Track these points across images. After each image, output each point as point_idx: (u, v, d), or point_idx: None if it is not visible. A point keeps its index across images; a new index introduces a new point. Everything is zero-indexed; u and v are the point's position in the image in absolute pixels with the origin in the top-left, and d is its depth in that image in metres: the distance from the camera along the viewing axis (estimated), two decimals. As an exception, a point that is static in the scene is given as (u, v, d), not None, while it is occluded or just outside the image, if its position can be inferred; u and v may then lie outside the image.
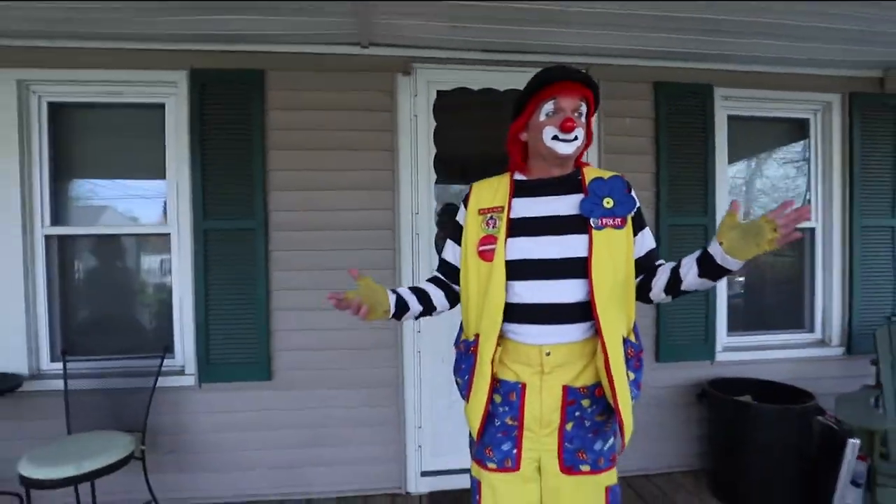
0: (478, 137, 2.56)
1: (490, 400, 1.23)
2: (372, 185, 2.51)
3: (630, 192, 1.25)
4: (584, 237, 1.20)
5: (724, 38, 2.44)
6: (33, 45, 2.33)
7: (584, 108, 1.24)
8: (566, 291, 1.20)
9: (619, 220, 1.21)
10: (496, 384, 1.25)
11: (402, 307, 1.30)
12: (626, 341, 1.23)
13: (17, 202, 2.35)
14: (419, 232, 2.54)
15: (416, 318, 1.37)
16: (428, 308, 1.36)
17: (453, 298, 1.41)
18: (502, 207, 1.25)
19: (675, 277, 1.18)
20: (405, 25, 2.30)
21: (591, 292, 1.17)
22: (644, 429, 2.68)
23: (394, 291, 1.31)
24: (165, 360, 2.33)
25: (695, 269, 1.13)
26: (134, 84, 2.42)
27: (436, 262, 2.50)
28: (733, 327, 2.89)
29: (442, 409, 2.59)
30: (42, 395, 2.35)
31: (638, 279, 1.27)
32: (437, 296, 1.38)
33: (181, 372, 2.46)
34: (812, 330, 2.96)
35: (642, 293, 1.27)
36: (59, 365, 2.39)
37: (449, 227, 1.40)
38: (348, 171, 2.49)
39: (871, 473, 2.15)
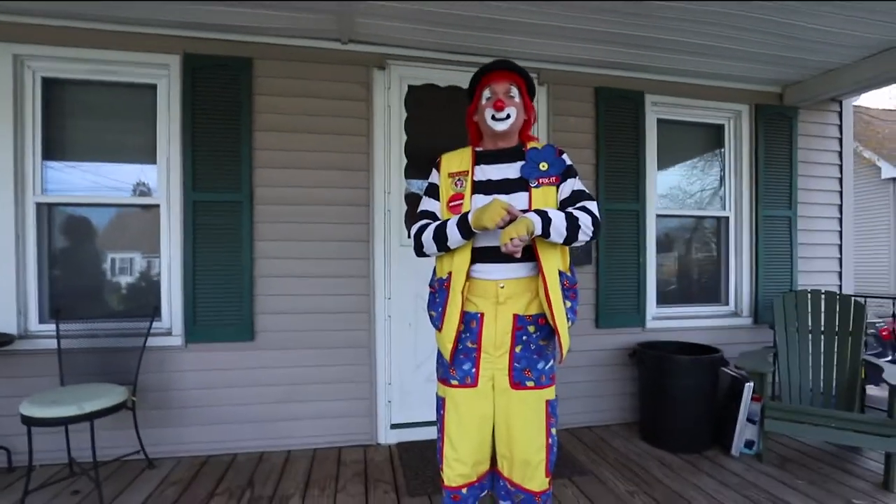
0: (445, 131, 2.90)
1: (461, 324, 1.51)
2: (348, 166, 2.80)
3: (561, 155, 1.56)
4: (526, 194, 1.51)
5: (652, 53, 2.92)
6: (30, 22, 2.48)
7: (514, 90, 1.55)
8: None
9: (553, 178, 1.52)
10: (461, 315, 1.50)
11: None
12: (562, 274, 1.53)
13: (9, 170, 2.49)
14: (390, 209, 2.85)
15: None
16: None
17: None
18: (467, 172, 1.57)
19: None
20: (381, 25, 2.62)
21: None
22: (586, 386, 3.11)
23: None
24: (154, 323, 2.52)
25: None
26: (128, 64, 2.61)
27: (404, 237, 2.84)
28: (662, 300, 3.35)
29: (409, 368, 2.89)
30: (31, 354, 2.49)
31: None
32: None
33: (168, 333, 2.64)
34: (727, 303, 3.47)
35: None
36: (48, 326, 2.55)
37: (426, 189, 1.68)
38: (327, 153, 2.77)
39: (763, 410, 2.62)
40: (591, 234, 1.48)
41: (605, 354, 3.14)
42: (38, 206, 2.57)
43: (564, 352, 1.52)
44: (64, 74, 2.60)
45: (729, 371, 2.87)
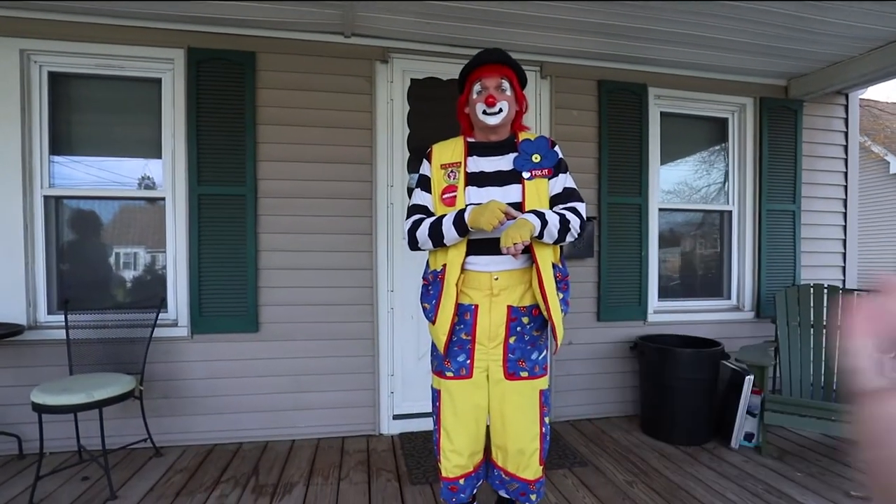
0: (447, 124, 2.90)
1: (455, 316, 1.52)
2: (352, 159, 2.81)
3: (554, 147, 1.57)
4: (519, 186, 1.51)
5: (655, 45, 2.90)
6: (37, 17, 2.50)
7: (505, 84, 1.54)
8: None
9: (545, 170, 1.53)
10: (456, 307, 1.51)
11: None
12: (554, 266, 1.55)
13: (17, 164, 2.53)
14: (393, 202, 2.87)
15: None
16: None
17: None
18: (459, 163, 1.56)
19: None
20: (383, 19, 2.62)
21: None
22: (586, 379, 3.13)
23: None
24: (160, 314, 2.56)
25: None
26: (133, 59, 2.63)
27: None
28: (664, 294, 3.36)
29: (411, 359, 2.92)
30: (40, 344, 2.55)
31: None
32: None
33: (174, 324, 2.68)
34: (729, 297, 3.47)
35: None
36: (56, 317, 2.59)
37: (417, 181, 1.67)
38: (331, 146, 2.79)
39: (763, 403, 2.64)
40: (576, 236, 1.52)
41: (606, 347, 3.16)
42: (46, 199, 2.61)
43: (559, 341, 1.54)
44: (70, 69, 2.63)
45: (730, 364, 2.88)
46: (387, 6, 2.49)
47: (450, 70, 2.92)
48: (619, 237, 3.12)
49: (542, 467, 1.58)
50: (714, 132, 3.51)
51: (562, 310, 1.55)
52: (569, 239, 1.50)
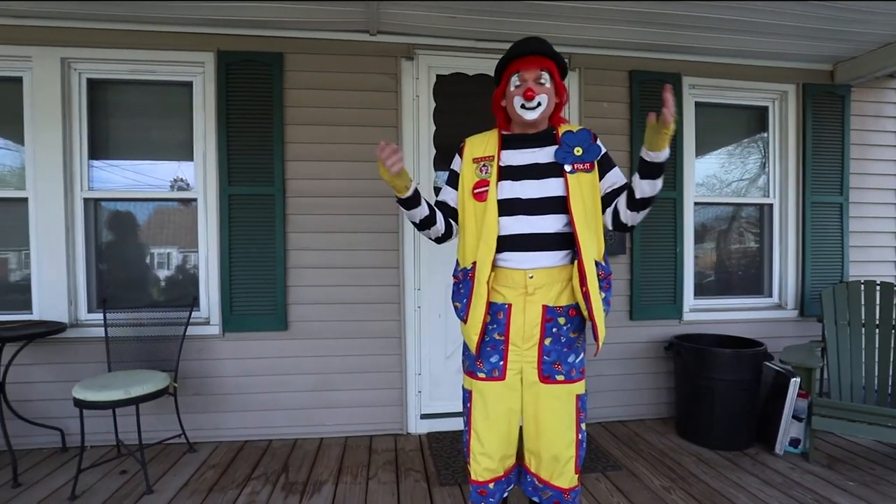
0: (474, 120, 2.87)
1: (487, 315, 1.47)
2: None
3: (596, 140, 1.49)
4: (560, 180, 1.45)
5: (690, 32, 2.78)
6: (76, 27, 2.60)
7: (545, 76, 1.46)
8: (546, 224, 1.43)
9: (587, 164, 1.45)
10: (487, 306, 1.45)
11: (417, 195, 1.47)
12: (597, 264, 1.47)
13: (59, 167, 2.62)
14: (420, 200, 2.84)
15: (420, 221, 1.52)
16: (432, 217, 1.53)
17: (447, 228, 1.60)
18: (493, 157, 1.50)
19: (629, 191, 1.39)
20: (409, 15, 2.60)
21: (572, 223, 1.40)
22: (619, 380, 3.03)
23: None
24: (193, 312, 2.62)
25: (636, 176, 1.35)
26: (166, 63, 2.70)
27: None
28: (700, 292, 3.23)
29: (439, 358, 2.90)
30: (81, 342, 2.64)
31: (612, 208, 1.46)
32: (440, 216, 1.57)
33: (206, 322, 2.74)
34: (770, 295, 3.31)
35: (617, 220, 1.45)
36: (96, 315, 2.68)
37: (447, 177, 1.63)
38: (357, 145, 2.78)
39: (810, 407, 2.49)
40: (641, 217, 1.44)
41: (639, 347, 3.05)
42: (86, 201, 2.70)
43: (601, 342, 1.46)
44: (107, 75, 2.71)
45: (773, 366, 2.74)
46: (413, 2, 2.47)
47: (477, 65, 2.87)
48: (652, 233, 3.01)
49: (577, 475, 1.51)
50: (753, 122, 3.35)
51: (604, 310, 1.48)
52: (641, 215, 1.42)
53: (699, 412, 2.71)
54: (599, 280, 1.45)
